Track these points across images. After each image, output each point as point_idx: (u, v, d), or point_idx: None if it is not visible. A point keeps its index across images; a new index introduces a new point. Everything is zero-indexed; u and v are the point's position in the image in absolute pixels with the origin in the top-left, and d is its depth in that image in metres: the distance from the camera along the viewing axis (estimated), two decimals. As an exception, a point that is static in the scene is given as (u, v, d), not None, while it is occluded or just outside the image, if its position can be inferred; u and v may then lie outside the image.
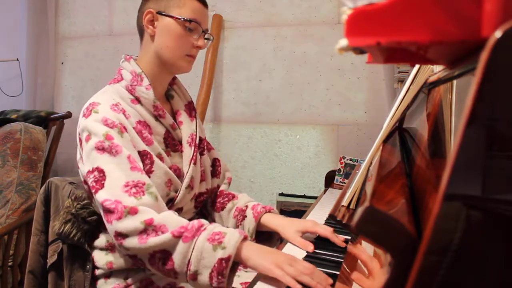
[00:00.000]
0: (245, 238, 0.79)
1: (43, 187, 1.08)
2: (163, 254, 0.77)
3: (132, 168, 0.84)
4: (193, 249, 0.76)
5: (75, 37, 2.49)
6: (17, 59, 2.44)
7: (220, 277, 0.74)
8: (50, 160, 2.01)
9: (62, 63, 2.51)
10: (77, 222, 0.96)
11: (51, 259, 1.03)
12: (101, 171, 0.83)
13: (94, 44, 2.45)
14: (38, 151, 1.90)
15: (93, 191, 0.84)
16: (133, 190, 0.82)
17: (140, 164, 0.87)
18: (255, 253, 0.77)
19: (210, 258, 0.75)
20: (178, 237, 0.77)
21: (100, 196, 0.82)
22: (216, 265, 0.74)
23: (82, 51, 2.47)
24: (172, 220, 0.80)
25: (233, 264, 0.76)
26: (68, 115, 2.06)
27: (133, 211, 0.79)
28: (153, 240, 0.76)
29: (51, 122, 2.07)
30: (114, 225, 0.79)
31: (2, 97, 2.44)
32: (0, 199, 1.77)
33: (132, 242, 0.78)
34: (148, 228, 0.78)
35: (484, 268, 0.29)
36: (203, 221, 0.81)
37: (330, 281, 0.73)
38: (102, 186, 0.82)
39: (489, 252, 0.28)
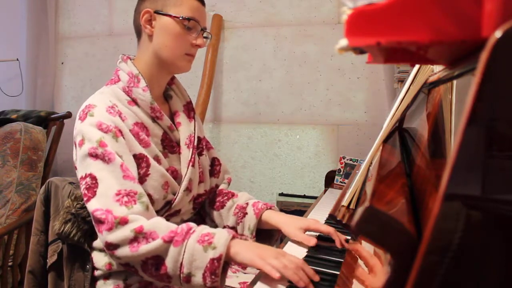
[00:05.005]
0: (233, 237, 0.80)
1: (43, 187, 1.08)
2: (156, 260, 0.78)
3: (124, 177, 0.84)
4: (184, 252, 0.77)
5: (75, 37, 2.49)
6: (17, 59, 2.44)
7: (213, 276, 0.75)
8: (50, 160, 2.01)
9: (62, 63, 2.51)
10: (77, 222, 0.96)
11: (51, 259, 1.03)
12: (93, 178, 0.83)
13: (94, 44, 2.45)
14: (38, 151, 1.89)
15: (85, 198, 0.84)
16: (125, 199, 0.82)
17: (134, 172, 0.87)
18: (243, 248, 0.78)
19: (202, 259, 0.76)
20: (169, 242, 0.78)
21: (91, 205, 0.82)
22: (208, 265, 0.75)
23: (82, 51, 2.47)
24: (161, 226, 0.80)
25: (224, 263, 0.77)
26: (68, 115, 2.06)
27: (123, 221, 0.79)
28: (144, 248, 0.77)
29: (51, 122, 2.07)
30: (104, 236, 0.80)
31: (2, 97, 2.44)
32: (0, 199, 1.77)
33: (123, 251, 0.79)
34: (139, 236, 0.78)
35: (484, 268, 0.29)
36: (192, 224, 0.82)
37: (317, 278, 0.75)
38: (94, 194, 0.82)
39: (489, 252, 0.28)
